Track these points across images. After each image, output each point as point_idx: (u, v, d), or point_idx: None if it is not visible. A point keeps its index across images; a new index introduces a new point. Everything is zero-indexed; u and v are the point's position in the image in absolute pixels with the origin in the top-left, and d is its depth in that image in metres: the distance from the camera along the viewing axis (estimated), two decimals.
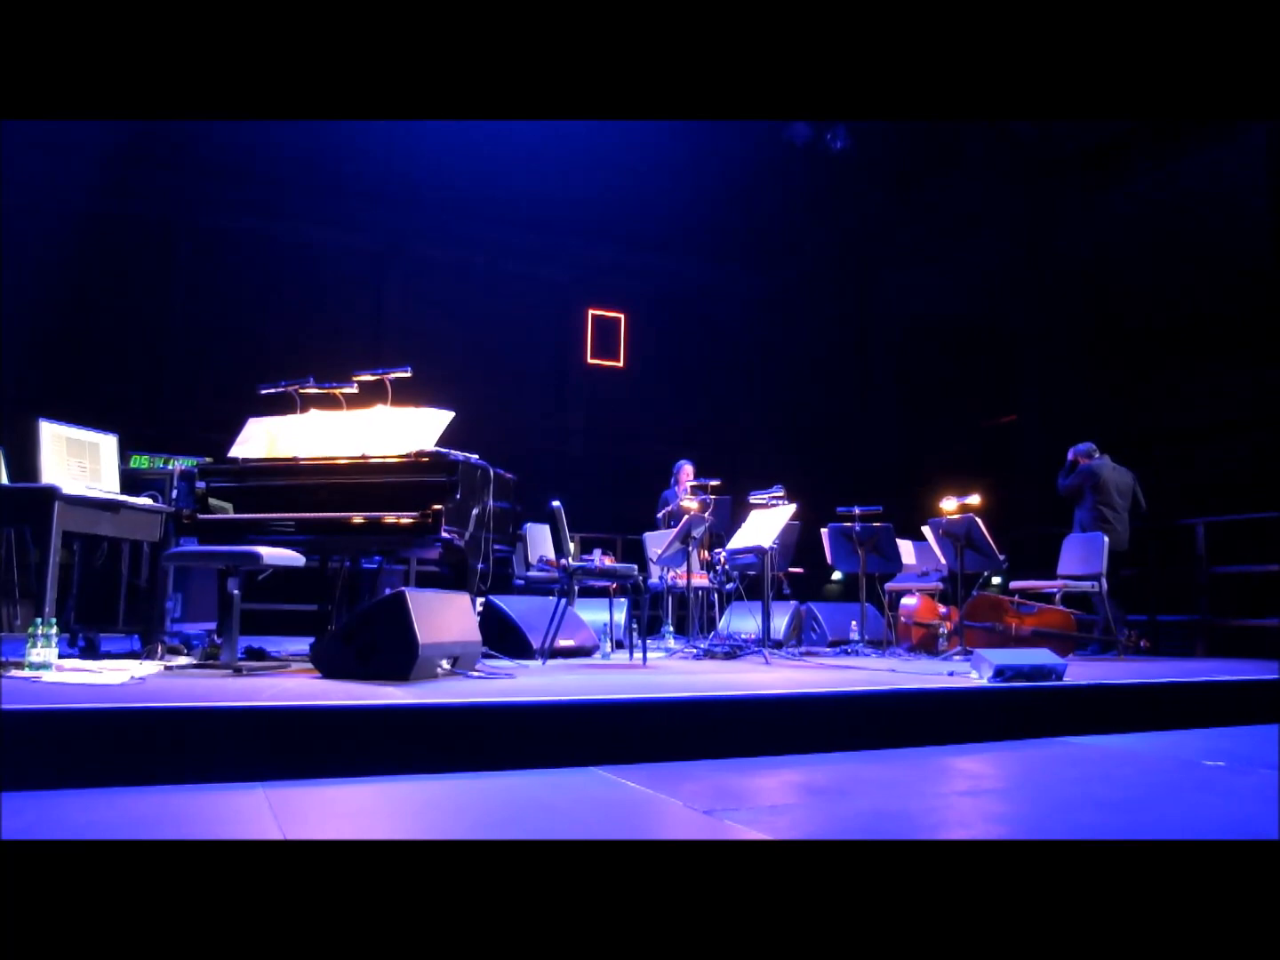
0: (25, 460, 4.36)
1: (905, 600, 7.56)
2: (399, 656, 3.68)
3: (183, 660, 4.49)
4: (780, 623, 7.29)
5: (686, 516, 6.15)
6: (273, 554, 4.19)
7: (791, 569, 7.67)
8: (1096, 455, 7.55)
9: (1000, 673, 4.26)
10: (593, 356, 12.35)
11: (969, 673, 4.61)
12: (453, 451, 4.53)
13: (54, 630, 3.76)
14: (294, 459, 4.75)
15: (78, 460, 4.47)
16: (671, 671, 5.04)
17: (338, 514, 4.53)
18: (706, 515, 6.58)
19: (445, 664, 4.00)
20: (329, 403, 4.94)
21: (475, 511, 4.58)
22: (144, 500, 4.72)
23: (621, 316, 12.50)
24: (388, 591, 3.91)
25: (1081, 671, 4.88)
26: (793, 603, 7.72)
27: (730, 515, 7.48)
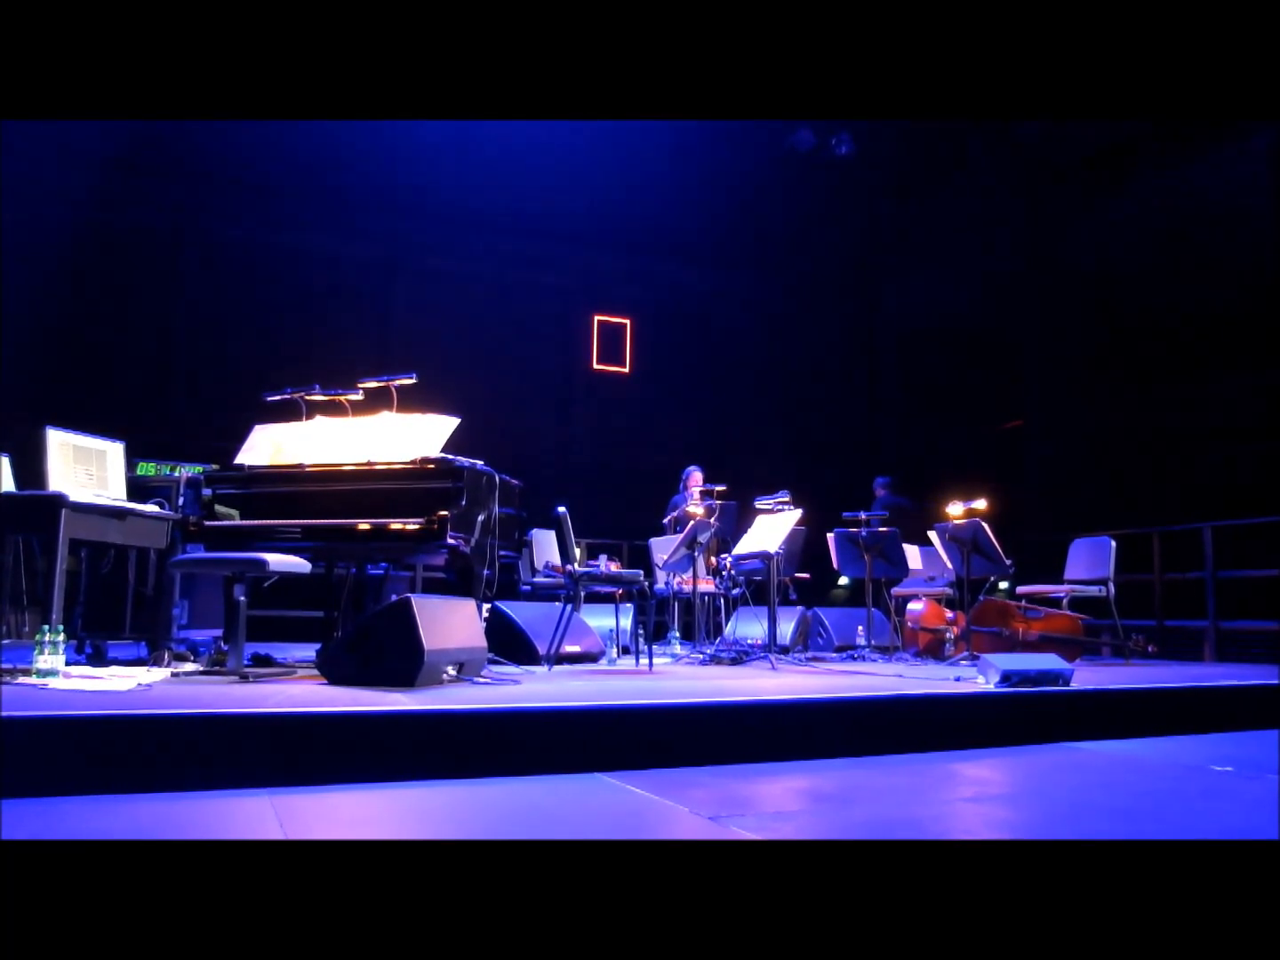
0: (32, 468, 4.37)
1: (912, 605, 7.55)
2: (405, 663, 3.68)
3: (189, 667, 4.49)
4: (787, 628, 7.28)
5: (692, 522, 6.14)
6: (279, 561, 4.19)
7: (798, 574, 7.66)
8: (893, 488, 8.79)
9: (1007, 678, 4.25)
10: (598, 362, 12.35)
11: (975, 678, 4.60)
12: (458, 457, 4.54)
13: (61, 637, 3.76)
14: (300, 465, 4.76)
15: (84, 468, 4.48)
16: (677, 677, 5.03)
17: (343, 520, 4.53)
18: (712, 521, 6.57)
19: (451, 670, 4.01)
20: (334, 409, 4.95)
21: (481, 518, 4.58)
22: (150, 507, 4.73)
23: (627, 322, 12.50)
24: (393, 598, 3.91)
25: (1089, 676, 4.86)
26: (799, 608, 7.71)
27: (736, 521, 7.47)
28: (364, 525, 4.49)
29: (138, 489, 5.03)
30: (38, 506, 4.12)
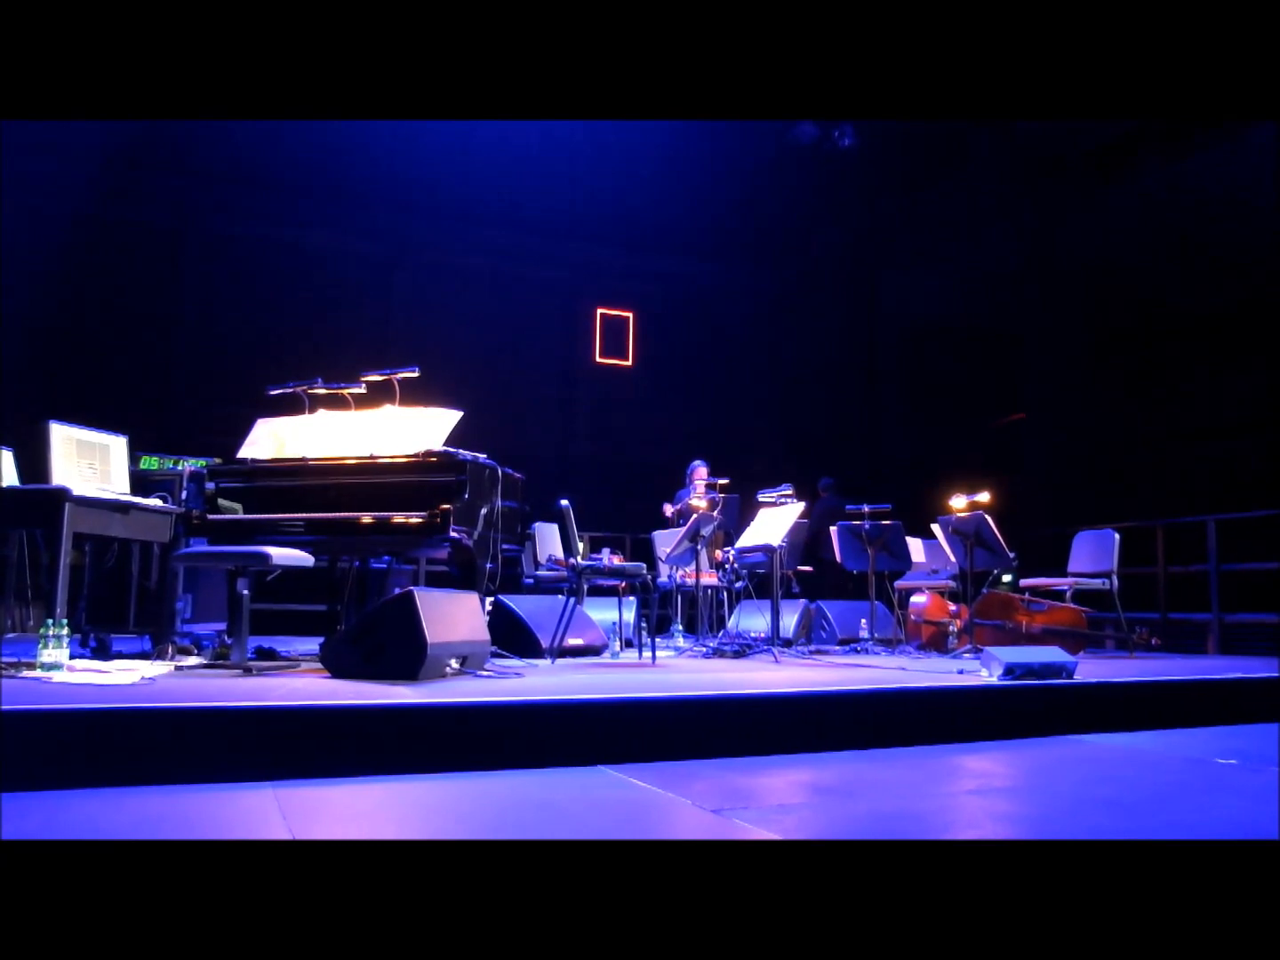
0: (36, 462, 4.38)
1: (915, 598, 7.54)
2: (408, 656, 3.68)
3: (193, 660, 4.50)
4: (789, 621, 7.28)
5: (695, 515, 6.14)
6: (282, 554, 4.20)
7: (800, 568, 7.66)
8: (834, 490, 9.22)
9: (1010, 671, 4.25)
10: (601, 356, 12.35)
11: (979, 671, 4.60)
12: (461, 451, 4.54)
13: (65, 631, 3.77)
14: (303, 459, 4.76)
15: (88, 462, 4.48)
16: (680, 670, 5.04)
17: (346, 514, 4.54)
18: (715, 514, 6.57)
19: (454, 663, 4.01)
20: (337, 403, 4.95)
21: (484, 511, 4.58)
22: (154, 501, 4.74)
23: (630, 316, 12.50)
24: (396, 591, 3.91)
25: (1092, 669, 4.86)
26: (802, 601, 7.71)
27: (739, 514, 7.48)
28: (367, 519, 4.49)
29: (141, 483, 5.04)
30: (41, 501, 4.13)
